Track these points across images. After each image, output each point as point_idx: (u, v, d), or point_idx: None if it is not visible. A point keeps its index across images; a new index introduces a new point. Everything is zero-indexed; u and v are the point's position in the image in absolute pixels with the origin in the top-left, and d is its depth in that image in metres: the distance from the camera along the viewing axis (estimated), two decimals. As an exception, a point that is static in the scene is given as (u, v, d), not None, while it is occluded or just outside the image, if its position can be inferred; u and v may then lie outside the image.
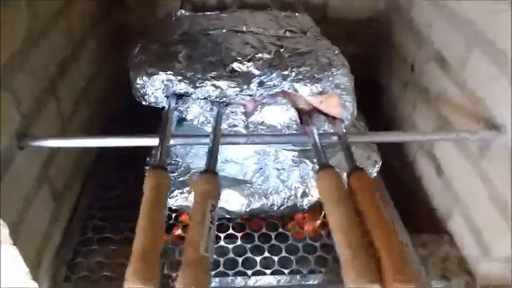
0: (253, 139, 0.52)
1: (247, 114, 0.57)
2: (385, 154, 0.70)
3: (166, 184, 0.42)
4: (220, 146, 0.50)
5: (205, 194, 0.40)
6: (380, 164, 0.68)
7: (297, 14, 0.75)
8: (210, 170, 0.44)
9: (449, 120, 0.66)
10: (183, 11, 0.76)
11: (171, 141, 0.50)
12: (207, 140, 0.50)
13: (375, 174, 0.68)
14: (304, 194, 0.63)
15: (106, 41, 0.84)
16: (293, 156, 0.64)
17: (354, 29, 0.93)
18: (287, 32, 0.66)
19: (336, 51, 0.59)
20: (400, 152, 0.82)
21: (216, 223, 0.62)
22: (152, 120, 0.58)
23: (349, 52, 0.62)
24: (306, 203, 0.63)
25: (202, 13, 0.75)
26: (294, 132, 0.56)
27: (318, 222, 0.64)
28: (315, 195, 0.63)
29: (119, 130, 0.77)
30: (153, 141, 0.50)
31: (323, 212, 0.65)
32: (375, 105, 0.92)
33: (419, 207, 0.74)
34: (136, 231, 0.37)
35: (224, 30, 0.66)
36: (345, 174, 0.60)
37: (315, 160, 0.64)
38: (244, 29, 0.66)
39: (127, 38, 0.88)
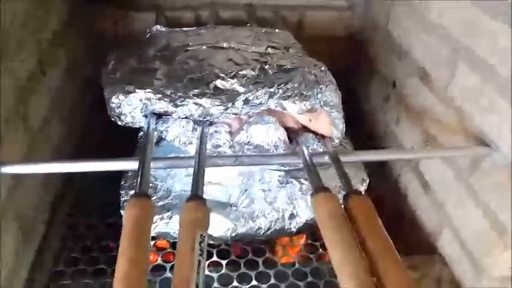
0: (242, 160, 0.49)
1: (232, 133, 0.54)
2: (368, 170, 0.68)
3: (150, 215, 0.38)
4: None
5: (193, 223, 0.36)
6: (368, 181, 0.66)
7: (277, 30, 0.74)
8: (197, 196, 0.40)
9: (435, 136, 0.65)
10: (159, 26, 0.73)
11: (153, 165, 0.46)
12: (192, 162, 0.47)
13: (363, 193, 0.66)
14: (292, 216, 0.60)
15: (77, 49, 0.79)
16: (279, 176, 0.61)
17: (332, 46, 0.92)
18: (269, 49, 0.64)
19: (322, 68, 0.57)
20: (384, 167, 0.81)
21: (207, 243, 0.59)
22: (130, 132, 0.54)
23: (328, 68, 0.60)
24: (294, 225, 0.60)
25: (179, 29, 0.72)
26: (283, 152, 0.53)
27: (307, 246, 0.61)
28: (303, 216, 0.60)
29: (95, 146, 0.75)
30: (132, 165, 0.46)
31: (311, 235, 0.63)
32: (355, 121, 0.91)
33: (406, 224, 0.72)
34: (116, 276, 0.32)
35: (204, 47, 0.63)
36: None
37: (301, 180, 0.62)
38: (225, 45, 0.63)
39: (100, 46, 0.84)
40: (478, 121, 0.54)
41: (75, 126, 0.76)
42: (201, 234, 0.36)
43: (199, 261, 0.34)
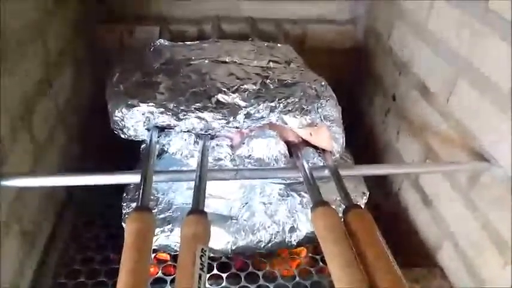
0: (243, 174, 0.49)
1: (233, 147, 0.55)
2: (368, 183, 0.68)
3: (151, 229, 0.38)
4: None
5: (194, 237, 0.37)
6: (368, 195, 0.66)
7: (279, 44, 0.75)
8: (198, 209, 0.41)
9: (435, 150, 0.65)
10: (162, 40, 0.74)
11: (154, 178, 0.47)
12: (193, 176, 0.47)
13: (363, 206, 0.66)
14: (293, 229, 0.60)
15: (83, 62, 0.80)
16: (279, 189, 0.62)
17: (333, 59, 0.93)
18: (271, 63, 0.65)
19: (323, 83, 0.58)
20: (385, 181, 0.81)
21: (208, 257, 0.59)
22: (134, 142, 0.54)
23: (329, 81, 0.61)
24: (294, 238, 0.60)
25: (182, 42, 0.73)
26: (283, 165, 0.54)
27: (307, 259, 0.61)
28: (303, 230, 0.60)
29: (99, 157, 0.76)
30: (134, 179, 0.46)
31: (311, 248, 0.63)
32: (356, 134, 0.92)
33: (406, 237, 0.73)
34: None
35: (207, 61, 0.64)
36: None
37: (302, 193, 0.62)
38: (227, 60, 0.64)
39: (104, 59, 0.85)
40: (478, 136, 0.55)
41: (80, 137, 0.77)
42: (202, 248, 0.36)
43: (200, 275, 0.34)
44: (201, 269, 0.35)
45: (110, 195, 0.66)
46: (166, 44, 0.74)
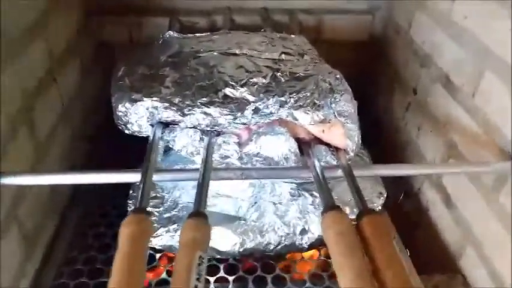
0: (249, 173, 0.46)
1: (241, 144, 0.51)
2: (387, 183, 0.64)
3: (148, 234, 0.36)
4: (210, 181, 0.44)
5: (191, 243, 0.34)
6: (385, 195, 0.63)
7: (292, 35, 0.71)
8: (199, 212, 0.38)
9: (458, 148, 0.61)
10: (172, 32, 0.71)
11: (155, 177, 0.44)
12: (196, 175, 0.44)
13: (380, 207, 0.62)
14: (304, 231, 0.57)
15: (89, 57, 0.79)
16: (291, 189, 0.59)
17: (351, 51, 0.89)
18: (283, 55, 0.61)
19: (338, 76, 0.54)
20: (404, 180, 0.77)
21: (206, 265, 0.57)
22: (141, 141, 0.52)
23: (346, 75, 0.57)
24: (305, 241, 0.57)
25: (192, 34, 0.71)
26: (294, 165, 0.50)
27: (319, 263, 0.58)
28: (315, 232, 0.57)
29: (103, 156, 0.75)
30: (135, 177, 0.44)
31: (324, 251, 0.60)
32: (374, 130, 0.87)
33: (426, 242, 0.68)
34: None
35: (216, 53, 0.60)
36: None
37: (314, 193, 0.59)
38: (237, 52, 0.61)
39: (112, 54, 0.83)
40: (506, 134, 0.50)
41: (86, 135, 0.75)
42: (200, 256, 0.34)
43: (196, 286, 0.32)
44: (198, 279, 0.32)
45: (116, 194, 0.65)
46: (175, 35, 0.71)
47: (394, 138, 0.82)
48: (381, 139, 0.85)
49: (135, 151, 0.53)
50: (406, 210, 0.74)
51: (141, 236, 0.35)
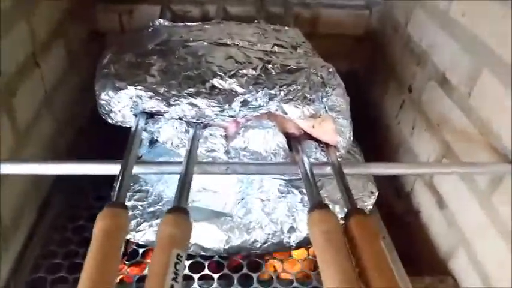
0: (234, 168, 0.44)
1: (228, 138, 0.49)
2: (378, 182, 0.63)
3: (123, 229, 0.34)
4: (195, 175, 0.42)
5: (169, 240, 0.32)
6: (376, 194, 0.61)
7: (286, 27, 0.69)
8: (179, 207, 0.36)
9: (453, 148, 0.59)
10: (162, 21, 0.69)
11: (136, 169, 0.42)
12: (179, 168, 0.42)
13: (371, 207, 0.60)
14: (292, 229, 0.55)
15: (77, 44, 0.76)
16: (280, 185, 0.57)
17: (346, 46, 0.87)
18: (276, 47, 0.59)
19: (330, 69, 0.52)
20: (395, 180, 0.75)
21: (189, 262, 0.55)
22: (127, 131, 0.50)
23: (340, 70, 0.55)
24: (293, 239, 0.56)
25: (183, 23, 0.68)
26: (282, 160, 0.49)
27: (307, 262, 0.56)
28: (303, 230, 0.55)
29: (90, 147, 0.72)
30: (115, 169, 0.42)
31: (312, 250, 0.58)
32: (366, 128, 0.86)
33: (417, 243, 0.67)
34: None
35: (206, 43, 0.58)
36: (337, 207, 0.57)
37: (303, 190, 0.57)
38: (228, 42, 0.58)
39: (102, 43, 0.81)
40: (502, 135, 0.49)
41: (71, 125, 0.73)
42: (178, 254, 0.32)
43: (172, 286, 0.30)
44: (175, 279, 0.30)
45: (99, 186, 0.63)
46: (166, 24, 0.69)
47: (387, 136, 0.80)
48: (373, 137, 0.84)
49: (124, 143, 0.51)
50: (397, 210, 0.73)
51: (115, 231, 0.33)
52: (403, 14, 0.76)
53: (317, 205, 0.37)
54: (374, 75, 0.87)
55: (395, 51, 0.79)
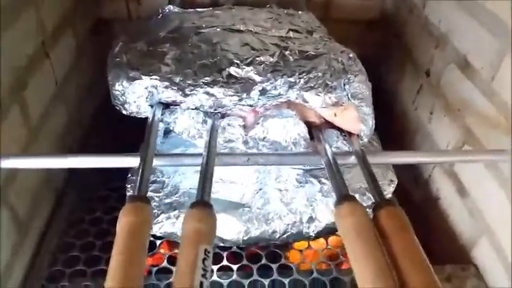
0: (255, 159, 0.43)
1: (246, 127, 0.48)
2: (395, 169, 0.61)
3: (148, 224, 0.33)
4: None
5: (195, 236, 0.31)
6: (396, 183, 0.60)
7: (300, 12, 0.67)
8: (203, 201, 0.35)
9: (474, 134, 0.58)
10: (172, 7, 0.67)
11: (155, 162, 0.41)
12: (199, 160, 0.41)
13: (390, 195, 0.59)
14: (311, 220, 0.55)
15: (85, 34, 0.74)
16: (297, 174, 0.56)
17: (360, 30, 0.85)
18: (291, 32, 0.57)
19: (351, 55, 0.51)
20: (413, 167, 0.74)
21: (211, 259, 0.54)
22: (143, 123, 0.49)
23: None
24: (312, 229, 0.55)
25: (193, 9, 0.66)
26: (303, 150, 0.47)
27: (326, 252, 0.56)
28: (323, 220, 0.55)
29: (102, 138, 0.71)
30: (134, 162, 0.41)
31: (331, 240, 0.57)
32: (383, 114, 0.84)
33: (437, 231, 0.66)
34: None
35: (219, 29, 0.56)
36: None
37: (322, 179, 0.56)
38: (242, 28, 0.57)
39: (109, 31, 0.79)
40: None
41: (83, 116, 0.72)
42: (206, 249, 0.31)
43: (202, 283, 0.29)
44: (203, 275, 0.29)
45: (114, 177, 0.62)
46: (176, 10, 0.67)
47: (404, 123, 0.79)
48: (389, 123, 0.82)
49: (137, 134, 0.49)
50: (415, 198, 0.72)
51: (141, 227, 0.32)
52: (420, -5, 0.74)
53: (345, 197, 0.35)
54: (390, 60, 0.85)
55: (412, 34, 0.77)
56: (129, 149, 0.45)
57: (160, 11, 0.67)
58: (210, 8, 0.66)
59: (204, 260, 0.30)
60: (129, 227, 0.32)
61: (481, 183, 0.56)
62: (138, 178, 0.38)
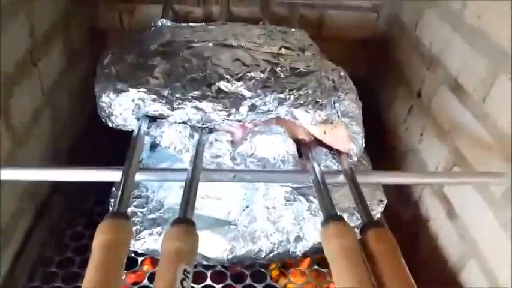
0: (243, 176, 0.42)
1: (234, 143, 0.47)
2: (384, 188, 0.61)
3: (126, 243, 0.31)
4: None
5: (175, 255, 0.30)
6: (385, 203, 0.59)
7: (292, 29, 0.67)
8: (185, 219, 0.34)
9: (465, 156, 0.57)
10: (164, 20, 0.67)
11: (138, 176, 0.40)
12: (184, 176, 0.40)
13: (379, 215, 0.58)
14: (298, 239, 0.53)
15: (77, 43, 0.74)
16: (286, 192, 0.55)
17: (352, 49, 0.86)
18: (283, 49, 0.57)
19: (342, 73, 0.50)
20: (403, 187, 0.73)
21: (191, 280, 0.53)
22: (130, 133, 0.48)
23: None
24: (299, 249, 0.53)
25: (186, 24, 0.66)
26: (291, 168, 0.46)
27: (313, 272, 0.54)
28: (310, 240, 0.53)
29: (91, 151, 0.70)
30: (115, 176, 0.39)
31: (317, 259, 0.56)
32: (372, 132, 0.84)
33: (425, 253, 0.65)
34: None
35: (211, 44, 0.56)
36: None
37: (310, 198, 0.55)
38: (234, 44, 0.56)
39: (102, 41, 0.79)
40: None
41: (71, 126, 0.70)
42: (185, 270, 0.29)
43: (179, 306, 0.27)
44: (182, 297, 0.28)
45: (99, 190, 0.60)
46: (168, 24, 0.67)
47: (394, 142, 0.78)
48: (379, 143, 0.82)
49: (126, 145, 0.48)
50: (404, 219, 0.71)
51: (117, 245, 0.30)
52: (411, 16, 0.75)
53: (332, 217, 0.34)
54: (381, 80, 0.86)
55: (404, 55, 0.77)
56: (119, 161, 0.44)
57: (153, 24, 0.66)
58: (203, 23, 0.66)
59: (182, 280, 0.29)
60: (104, 245, 0.30)
61: (470, 206, 0.55)
62: (119, 193, 0.36)
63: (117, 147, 0.51)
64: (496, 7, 0.51)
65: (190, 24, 0.66)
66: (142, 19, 0.79)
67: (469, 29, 0.57)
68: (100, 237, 0.31)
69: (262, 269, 0.54)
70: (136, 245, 0.51)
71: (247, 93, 0.47)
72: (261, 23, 0.72)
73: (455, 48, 0.60)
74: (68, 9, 0.69)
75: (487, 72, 0.52)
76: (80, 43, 0.75)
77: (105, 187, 0.57)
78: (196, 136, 0.46)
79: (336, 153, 0.47)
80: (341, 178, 0.43)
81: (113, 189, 0.56)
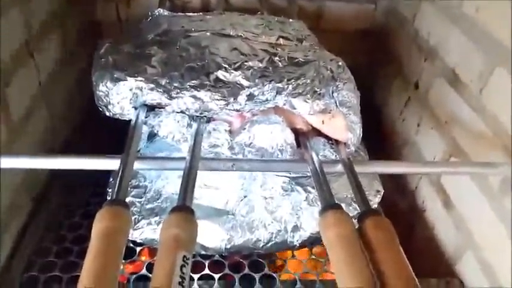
0: (241, 165, 0.42)
1: (232, 132, 0.47)
2: (382, 179, 0.61)
3: (125, 230, 0.31)
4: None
5: (174, 242, 0.30)
6: (382, 193, 0.59)
7: (291, 20, 0.67)
8: (184, 206, 0.34)
9: (461, 147, 0.57)
10: (161, 10, 0.67)
11: (136, 165, 0.40)
12: (182, 164, 0.40)
13: (376, 205, 0.59)
14: (296, 229, 0.53)
15: (75, 35, 0.73)
16: (283, 182, 0.55)
17: (350, 40, 0.85)
18: (281, 39, 0.57)
19: (340, 63, 0.50)
20: (399, 177, 0.73)
21: (190, 266, 0.53)
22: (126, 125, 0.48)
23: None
24: (297, 238, 0.53)
25: (183, 13, 0.66)
26: (289, 157, 0.46)
27: (310, 261, 0.55)
28: (308, 229, 0.54)
29: (88, 141, 0.70)
30: (114, 164, 0.39)
31: (315, 250, 0.56)
32: (371, 125, 0.84)
33: (422, 244, 0.65)
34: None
35: (208, 33, 0.56)
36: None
37: (308, 188, 0.55)
38: (232, 33, 0.56)
39: (99, 33, 0.78)
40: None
41: (67, 117, 0.70)
42: (184, 256, 0.29)
43: (179, 292, 0.28)
44: (181, 283, 0.28)
45: (97, 180, 0.60)
46: (165, 14, 0.66)
47: (391, 133, 0.79)
48: (377, 133, 0.82)
49: (122, 137, 0.48)
50: (401, 208, 0.71)
51: (115, 233, 0.30)
52: (409, 8, 0.74)
53: (330, 206, 0.35)
54: (379, 71, 0.86)
55: (401, 46, 0.77)
56: (116, 152, 0.43)
57: (149, 14, 0.66)
58: (200, 13, 0.66)
59: (182, 267, 0.29)
60: (103, 233, 0.30)
61: (467, 196, 0.56)
62: (117, 181, 0.36)
63: (115, 138, 0.51)
64: (494, 0, 0.51)
65: (188, 14, 0.66)
66: (139, 10, 0.78)
67: (467, 21, 0.57)
68: (98, 225, 0.31)
69: (260, 259, 0.54)
70: (135, 235, 0.51)
71: (245, 83, 0.47)
72: (258, 13, 0.71)
73: (453, 40, 0.60)
74: (64, 2, 0.68)
75: (485, 64, 0.53)
76: (76, 35, 0.74)
77: (103, 178, 0.57)
78: (195, 125, 0.46)
79: (334, 142, 0.47)
80: (339, 167, 0.43)
81: (111, 179, 0.56)
